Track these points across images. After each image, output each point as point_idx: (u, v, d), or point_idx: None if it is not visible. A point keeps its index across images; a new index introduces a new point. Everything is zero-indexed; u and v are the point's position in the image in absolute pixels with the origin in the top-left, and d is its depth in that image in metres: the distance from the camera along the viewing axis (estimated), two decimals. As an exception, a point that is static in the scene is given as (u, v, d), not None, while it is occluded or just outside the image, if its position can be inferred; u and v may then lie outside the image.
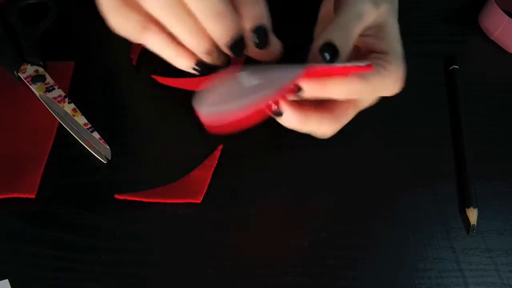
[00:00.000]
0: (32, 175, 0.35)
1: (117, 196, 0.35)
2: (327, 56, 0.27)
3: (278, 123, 0.40)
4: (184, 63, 0.29)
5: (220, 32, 0.26)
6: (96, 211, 0.34)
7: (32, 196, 0.34)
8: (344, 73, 0.28)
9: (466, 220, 0.36)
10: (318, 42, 0.28)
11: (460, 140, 0.39)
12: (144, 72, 0.42)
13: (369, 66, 0.27)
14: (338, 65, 0.27)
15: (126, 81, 0.42)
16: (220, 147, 0.38)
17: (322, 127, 0.30)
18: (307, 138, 0.39)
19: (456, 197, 0.37)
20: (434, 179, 0.37)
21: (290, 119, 0.29)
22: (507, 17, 0.45)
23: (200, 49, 0.28)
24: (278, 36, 0.30)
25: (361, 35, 0.30)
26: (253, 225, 0.35)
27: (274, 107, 0.29)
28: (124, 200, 0.35)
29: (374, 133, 0.40)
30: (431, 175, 0.38)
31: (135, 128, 0.39)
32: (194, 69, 0.29)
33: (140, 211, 0.35)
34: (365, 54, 0.31)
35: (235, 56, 0.28)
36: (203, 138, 0.38)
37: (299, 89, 0.28)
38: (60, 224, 0.34)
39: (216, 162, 0.37)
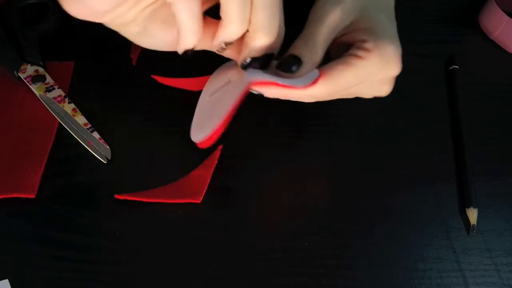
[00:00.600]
0: (32, 175, 0.35)
1: (117, 196, 0.35)
2: (294, 68, 0.29)
3: (277, 123, 0.40)
4: (190, 42, 0.28)
5: (260, 46, 0.28)
6: (96, 211, 0.34)
7: (32, 196, 0.34)
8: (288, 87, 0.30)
9: (466, 220, 0.36)
10: (283, 56, 0.30)
11: (460, 140, 0.39)
12: (144, 72, 0.42)
13: (316, 80, 0.29)
14: (278, 81, 0.30)
15: (126, 81, 0.42)
16: (220, 147, 0.38)
17: (314, 92, 0.30)
18: (307, 138, 0.39)
19: (456, 197, 0.37)
20: (434, 179, 0.37)
21: (273, 94, 0.31)
22: (507, 17, 0.45)
23: (230, 38, 0.28)
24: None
25: (347, 33, 0.32)
26: (253, 225, 0.35)
27: (254, 92, 0.31)
28: (124, 200, 0.35)
29: (374, 133, 0.40)
30: (431, 175, 0.38)
31: (135, 128, 0.39)
32: (185, 51, 0.29)
33: (140, 211, 0.35)
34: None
35: (250, 66, 0.30)
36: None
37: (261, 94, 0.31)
38: (60, 224, 0.34)
39: (216, 162, 0.37)
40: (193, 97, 0.40)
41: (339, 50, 0.32)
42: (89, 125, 0.38)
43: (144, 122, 0.39)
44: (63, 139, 0.37)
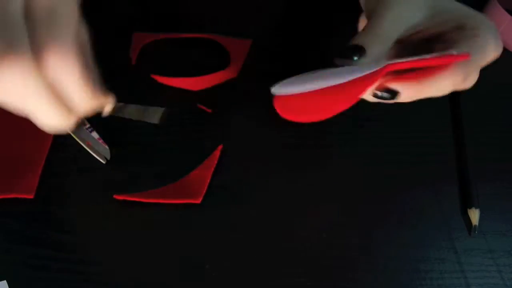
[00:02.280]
0: (30, 175, 0.35)
1: (116, 197, 0.34)
2: (356, 57, 0.28)
3: (278, 123, 0.39)
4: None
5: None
6: (95, 211, 0.34)
7: (31, 196, 0.34)
8: (433, 64, 0.26)
9: (468, 220, 0.35)
10: (345, 45, 0.29)
11: (462, 141, 0.39)
12: (143, 71, 0.41)
13: (464, 55, 0.26)
14: (422, 57, 0.26)
15: (125, 81, 0.42)
16: (220, 147, 0.37)
17: (443, 86, 0.28)
18: (307, 138, 0.39)
19: (457, 198, 0.36)
20: (436, 179, 0.37)
21: (408, 94, 0.28)
22: (509, 16, 0.44)
23: None
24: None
25: (430, 28, 0.30)
26: (253, 225, 0.34)
27: (381, 93, 0.27)
28: (124, 201, 0.34)
29: (375, 134, 0.39)
30: (432, 176, 0.37)
31: (134, 128, 0.39)
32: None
33: (140, 212, 0.34)
34: (445, 42, 0.30)
35: None
36: (203, 138, 0.38)
37: (394, 93, 0.27)
38: (59, 225, 0.33)
39: (216, 162, 0.37)
40: (193, 97, 0.40)
41: (407, 50, 0.31)
42: (88, 125, 0.37)
43: (143, 122, 0.39)
44: (62, 139, 0.37)
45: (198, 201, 0.35)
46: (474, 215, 0.35)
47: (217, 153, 0.37)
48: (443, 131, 0.40)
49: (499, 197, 0.37)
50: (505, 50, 0.46)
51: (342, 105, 0.24)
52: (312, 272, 0.32)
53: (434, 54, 0.27)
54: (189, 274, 0.32)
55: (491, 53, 0.30)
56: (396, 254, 0.34)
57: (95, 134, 0.37)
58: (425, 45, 0.31)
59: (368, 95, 0.28)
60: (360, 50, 0.28)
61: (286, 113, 0.26)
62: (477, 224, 0.35)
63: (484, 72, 0.44)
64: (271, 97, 0.31)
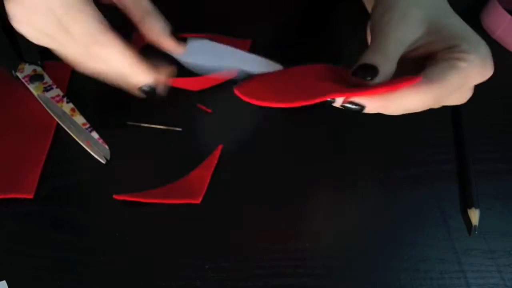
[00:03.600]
0: (30, 175, 0.35)
1: (116, 197, 0.34)
2: (369, 76, 0.28)
3: (277, 124, 0.40)
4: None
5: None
6: (95, 211, 0.34)
7: (30, 196, 0.34)
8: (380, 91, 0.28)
9: (467, 221, 0.35)
10: (357, 64, 0.29)
11: (462, 140, 0.39)
12: (143, 71, 0.41)
13: (414, 79, 0.27)
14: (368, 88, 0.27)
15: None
16: (220, 147, 0.37)
17: (415, 100, 0.28)
18: (307, 140, 0.39)
19: (457, 198, 0.36)
20: (436, 179, 0.37)
21: (373, 106, 0.29)
22: (509, 16, 0.44)
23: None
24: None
25: (421, 46, 0.30)
26: (254, 225, 0.34)
27: (349, 105, 0.29)
28: (123, 201, 0.34)
29: (375, 134, 0.39)
30: (433, 176, 0.37)
31: (134, 128, 0.39)
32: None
33: (139, 212, 0.34)
34: (433, 59, 0.30)
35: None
36: (203, 138, 0.38)
37: (361, 107, 0.29)
38: (59, 225, 0.33)
39: (216, 162, 0.37)
40: (193, 97, 0.40)
41: (407, 67, 0.31)
42: (88, 125, 0.37)
43: (143, 122, 0.39)
44: (62, 139, 0.37)
45: (198, 201, 0.35)
46: (474, 215, 0.35)
47: (217, 153, 0.37)
48: (443, 131, 0.40)
49: (499, 197, 0.37)
50: (505, 50, 0.46)
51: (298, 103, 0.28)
52: (313, 272, 0.32)
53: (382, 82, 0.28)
54: (188, 275, 0.32)
55: (474, 76, 0.29)
56: (396, 254, 0.34)
57: (95, 134, 0.37)
58: (419, 63, 0.31)
59: (338, 105, 0.29)
60: (373, 70, 0.28)
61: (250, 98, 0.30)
62: (477, 224, 0.35)
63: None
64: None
